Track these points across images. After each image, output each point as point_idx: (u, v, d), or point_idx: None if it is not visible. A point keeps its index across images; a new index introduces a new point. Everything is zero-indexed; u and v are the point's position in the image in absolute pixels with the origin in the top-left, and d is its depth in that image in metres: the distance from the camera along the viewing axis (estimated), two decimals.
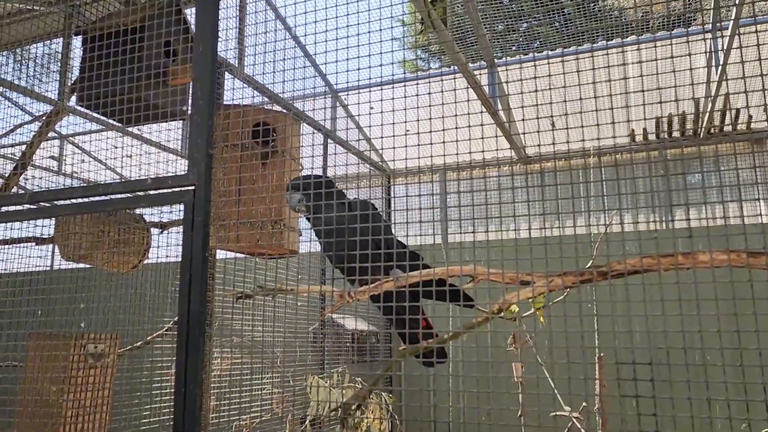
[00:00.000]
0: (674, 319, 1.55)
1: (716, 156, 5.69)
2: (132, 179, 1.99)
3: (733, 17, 3.83)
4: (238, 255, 3.28)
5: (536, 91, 1.83)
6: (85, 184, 4.66)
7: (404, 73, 6.04)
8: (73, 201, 2.06)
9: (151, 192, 1.96)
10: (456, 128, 1.86)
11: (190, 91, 2.26)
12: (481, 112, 4.51)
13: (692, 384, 1.50)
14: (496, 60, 4.96)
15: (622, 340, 4.32)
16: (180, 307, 1.86)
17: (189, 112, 1.99)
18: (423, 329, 2.01)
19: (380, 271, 1.83)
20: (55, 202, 2.12)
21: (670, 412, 1.41)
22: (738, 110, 5.20)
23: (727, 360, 1.47)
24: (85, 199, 2.02)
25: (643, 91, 1.80)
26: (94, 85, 2.93)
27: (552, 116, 1.86)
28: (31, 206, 2.10)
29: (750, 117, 5.18)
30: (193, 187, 1.88)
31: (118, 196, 2.01)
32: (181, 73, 3.16)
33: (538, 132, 1.87)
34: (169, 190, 1.92)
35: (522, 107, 1.90)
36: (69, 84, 3.77)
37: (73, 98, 3.60)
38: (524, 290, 1.76)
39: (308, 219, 2.36)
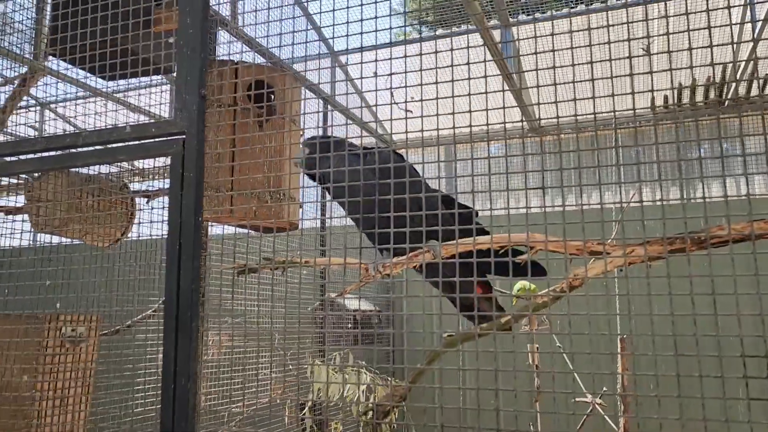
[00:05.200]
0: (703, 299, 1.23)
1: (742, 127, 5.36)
2: (107, 127, 1.62)
3: None
4: (229, 228, 2.93)
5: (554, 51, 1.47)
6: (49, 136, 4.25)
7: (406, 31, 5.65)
8: (36, 155, 1.69)
9: (131, 143, 1.59)
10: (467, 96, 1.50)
11: (177, 28, 1.88)
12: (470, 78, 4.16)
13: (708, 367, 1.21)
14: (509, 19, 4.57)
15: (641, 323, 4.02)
16: (167, 284, 1.51)
17: (177, 44, 1.62)
18: (481, 295, 1.67)
19: (422, 239, 1.46)
20: (17, 157, 1.75)
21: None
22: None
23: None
24: (50, 153, 1.65)
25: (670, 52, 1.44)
26: (70, 34, 2.53)
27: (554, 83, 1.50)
28: None
29: None
30: (182, 136, 1.52)
31: (90, 149, 1.64)
32: (166, 19, 2.76)
33: (559, 103, 1.52)
34: (154, 140, 1.56)
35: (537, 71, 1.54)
36: (44, 42, 3.36)
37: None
38: (595, 264, 1.42)
39: (316, 180, 1.99)
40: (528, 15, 4.79)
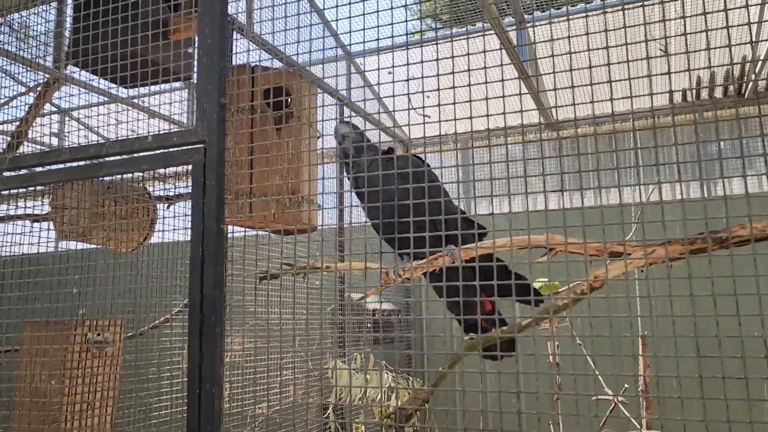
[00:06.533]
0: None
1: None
2: (129, 137, 1.66)
3: None
4: (249, 231, 2.96)
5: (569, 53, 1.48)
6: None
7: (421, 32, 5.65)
8: (62, 166, 1.73)
9: (153, 152, 1.62)
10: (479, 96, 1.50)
11: (197, 37, 1.91)
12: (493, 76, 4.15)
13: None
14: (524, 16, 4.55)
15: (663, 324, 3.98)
16: (191, 289, 1.54)
17: (196, 55, 1.64)
18: (485, 313, 1.68)
19: (441, 243, 1.48)
20: (41, 168, 1.79)
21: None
22: None
23: None
24: (75, 164, 1.69)
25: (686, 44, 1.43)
26: (90, 42, 2.57)
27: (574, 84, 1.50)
28: (11, 173, 1.77)
29: None
30: (203, 145, 1.54)
31: (114, 158, 1.68)
32: (183, 29, 2.79)
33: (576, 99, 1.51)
34: (175, 149, 1.59)
35: (553, 70, 1.53)
36: (64, 51, 3.42)
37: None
38: (615, 265, 1.42)
39: (347, 177, 2.02)
40: (543, 12, 4.77)
